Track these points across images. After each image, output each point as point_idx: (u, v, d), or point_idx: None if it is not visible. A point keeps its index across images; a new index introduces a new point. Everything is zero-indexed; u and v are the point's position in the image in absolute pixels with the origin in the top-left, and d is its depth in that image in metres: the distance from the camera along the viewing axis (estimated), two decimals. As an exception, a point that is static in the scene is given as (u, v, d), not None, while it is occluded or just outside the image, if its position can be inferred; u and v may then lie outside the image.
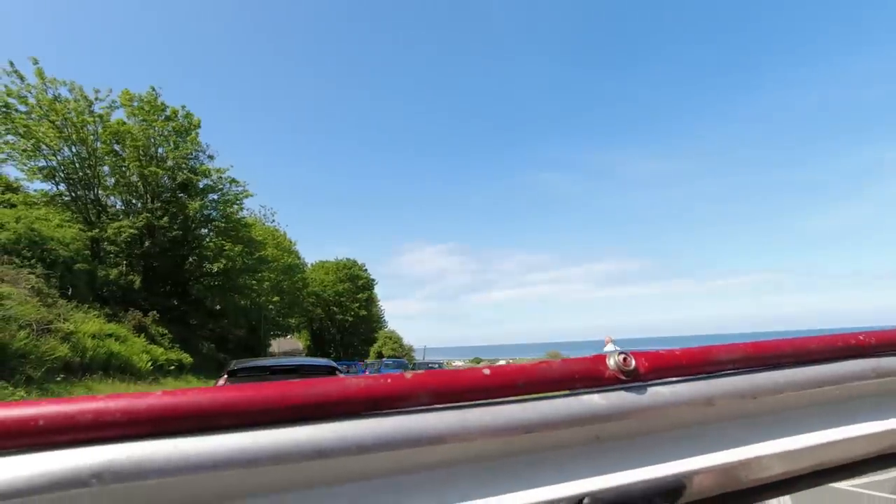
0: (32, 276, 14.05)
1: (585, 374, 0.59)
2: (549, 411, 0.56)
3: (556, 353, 32.05)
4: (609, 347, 13.88)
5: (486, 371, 0.54)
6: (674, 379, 0.64)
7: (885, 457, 0.80)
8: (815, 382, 0.71)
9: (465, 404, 0.53)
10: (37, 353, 9.91)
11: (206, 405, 0.42)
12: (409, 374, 0.51)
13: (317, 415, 0.45)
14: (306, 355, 51.78)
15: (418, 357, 39.48)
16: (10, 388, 7.82)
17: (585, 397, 0.58)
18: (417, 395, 0.50)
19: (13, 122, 22.87)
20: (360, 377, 0.50)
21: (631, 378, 0.60)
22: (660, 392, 0.61)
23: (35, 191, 25.48)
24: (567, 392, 0.59)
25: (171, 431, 0.41)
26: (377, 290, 58.01)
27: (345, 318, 52.06)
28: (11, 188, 24.63)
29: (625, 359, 0.60)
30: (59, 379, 9.98)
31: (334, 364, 6.22)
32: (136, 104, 26.82)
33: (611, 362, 0.60)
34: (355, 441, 0.45)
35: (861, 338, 0.80)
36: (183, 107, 28.45)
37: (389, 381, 0.49)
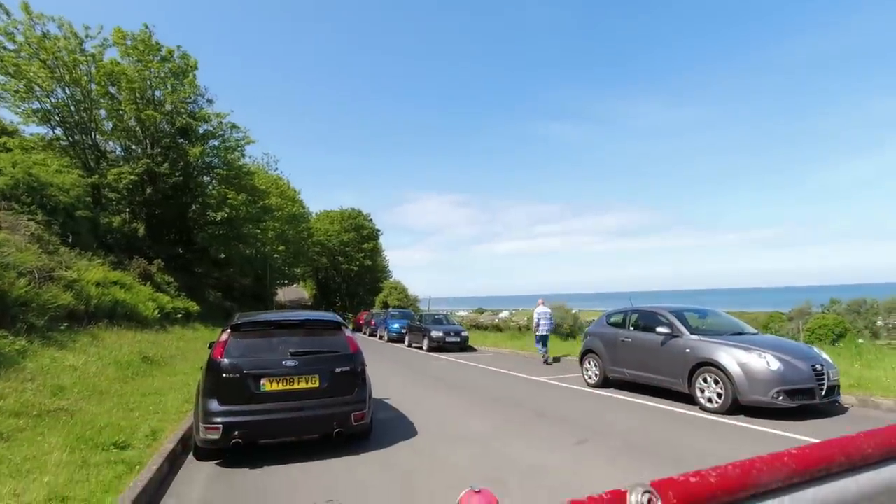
0: (32, 223, 13.75)
1: None
2: None
3: (561, 305, 32.15)
4: (541, 309, 13.91)
5: None
6: None
7: None
8: (869, 493, 0.62)
9: None
10: (39, 301, 9.75)
11: None
12: None
13: None
14: (311, 305, 52.49)
15: (423, 307, 39.79)
16: (11, 338, 7.68)
17: None
18: None
19: (2, 62, 21.91)
20: None
21: None
22: None
23: (31, 134, 24.81)
24: None
25: None
26: (382, 240, 57.89)
27: (350, 268, 52.29)
28: (7, 132, 23.96)
29: (650, 500, 0.51)
30: (62, 328, 9.87)
31: (339, 319, 6.00)
32: (129, 43, 25.54)
33: (632, 500, 0.51)
34: None
35: None
36: (178, 47, 27.08)
37: None
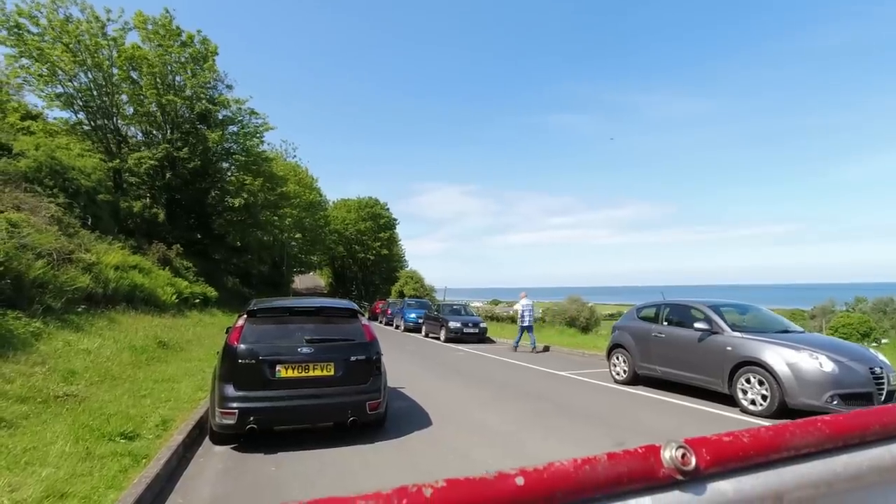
0: (52, 205, 13.74)
1: (635, 475, 0.51)
2: None
3: (577, 298, 31.79)
4: (524, 301, 14.99)
5: (520, 480, 0.47)
6: (738, 472, 0.56)
7: None
8: None
9: None
10: (56, 283, 9.65)
11: None
12: (429, 491, 0.44)
13: None
14: (328, 293, 52.74)
15: (438, 297, 39.52)
16: (26, 319, 7.54)
17: (633, 502, 0.51)
18: None
19: (26, 45, 22.01)
20: None
21: (689, 476, 0.52)
22: (721, 490, 0.54)
23: (54, 119, 25.02)
24: (613, 495, 0.51)
25: None
26: (398, 229, 57.63)
27: (366, 257, 52.24)
28: (31, 116, 24.21)
29: (683, 455, 0.52)
30: (79, 310, 9.78)
31: (355, 307, 5.91)
32: (150, 27, 25.47)
33: (666, 456, 0.52)
34: None
35: None
36: (199, 31, 26.93)
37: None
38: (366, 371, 5.27)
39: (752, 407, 6.51)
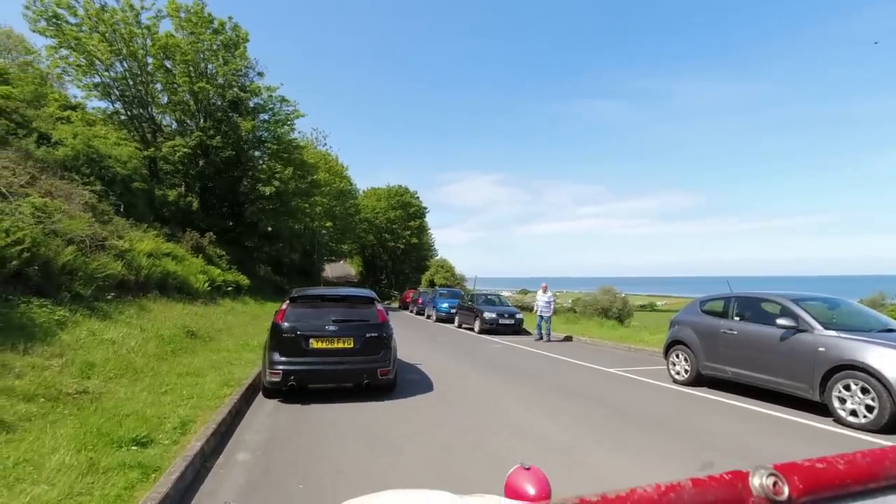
0: (86, 192, 13.69)
1: None
2: None
3: (609, 289, 30.56)
4: (545, 294, 15.51)
5: None
6: (833, 502, 0.51)
7: None
8: None
9: None
10: (87, 269, 9.44)
11: None
12: None
13: None
14: (358, 281, 52.95)
15: (469, 286, 38.82)
16: (50, 307, 7.25)
17: None
18: None
19: (64, 35, 22.29)
20: None
21: None
22: None
23: (92, 108, 25.40)
24: None
25: None
26: (427, 218, 57.01)
27: (396, 246, 51.95)
28: (70, 106, 24.62)
29: (775, 483, 0.48)
30: (109, 297, 9.56)
31: (373, 295, 7.27)
32: (182, 15, 25.44)
33: (756, 483, 0.48)
34: None
35: None
36: (230, 18, 26.79)
37: None
38: (378, 345, 6.54)
39: (852, 419, 5.56)
